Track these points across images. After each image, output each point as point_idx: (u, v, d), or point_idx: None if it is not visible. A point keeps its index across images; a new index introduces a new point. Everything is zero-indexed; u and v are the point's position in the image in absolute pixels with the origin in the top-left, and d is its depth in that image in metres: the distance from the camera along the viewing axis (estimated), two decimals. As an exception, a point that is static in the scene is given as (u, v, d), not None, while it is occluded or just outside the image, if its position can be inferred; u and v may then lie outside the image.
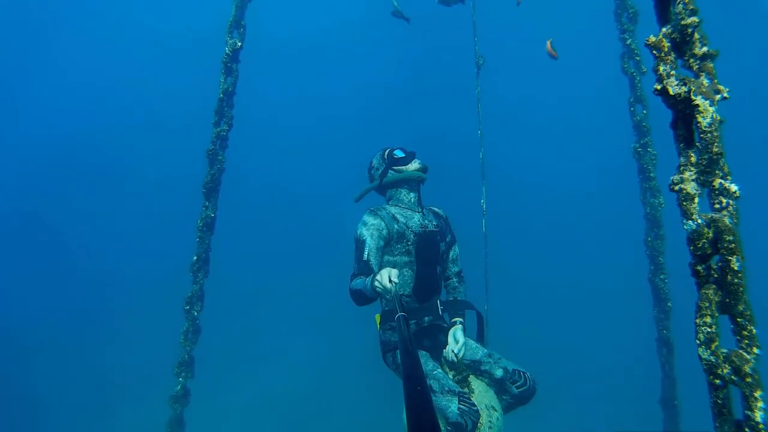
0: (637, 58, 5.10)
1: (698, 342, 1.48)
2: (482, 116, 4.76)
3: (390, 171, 3.61)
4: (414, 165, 3.61)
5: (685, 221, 1.54)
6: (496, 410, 3.06)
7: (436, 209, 3.78)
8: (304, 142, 25.51)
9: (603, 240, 18.60)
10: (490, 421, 2.95)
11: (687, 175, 1.56)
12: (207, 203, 4.98)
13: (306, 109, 26.69)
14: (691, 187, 1.54)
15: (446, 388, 2.92)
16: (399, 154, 3.64)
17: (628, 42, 5.12)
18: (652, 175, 5.14)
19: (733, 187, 1.52)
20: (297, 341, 13.11)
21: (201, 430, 6.32)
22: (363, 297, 3.01)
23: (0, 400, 9.80)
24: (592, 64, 19.92)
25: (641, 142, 5.18)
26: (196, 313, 4.95)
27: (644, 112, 5.16)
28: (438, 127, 23.33)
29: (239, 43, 4.96)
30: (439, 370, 3.10)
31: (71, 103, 23.88)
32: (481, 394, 3.11)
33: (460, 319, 3.42)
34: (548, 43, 5.99)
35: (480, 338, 3.53)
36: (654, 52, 1.65)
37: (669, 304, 5.05)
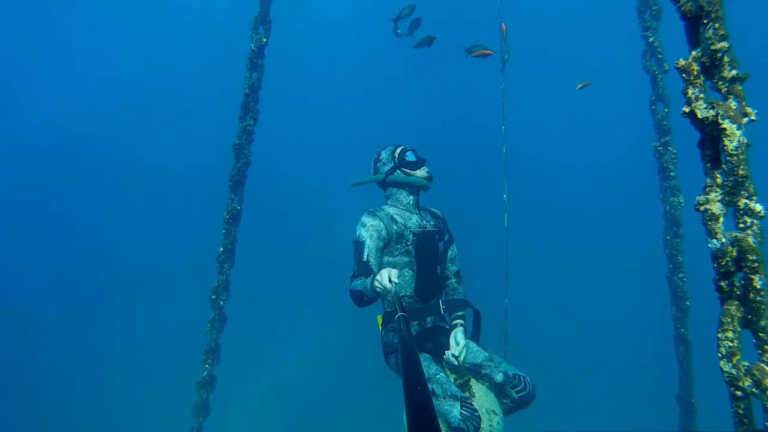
0: (660, 56, 5.05)
1: (720, 355, 1.56)
2: (505, 111, 4.79)
3: (397, 171, 3.62)
4: (421, 172, 3.61)
5: (709, 240, 1.60)
6: (496, 414, 3.10)
7: (433, 209, 3.82)
8: (324, 134, 25.57)
9: (621, 237, 18.49)
10: (490, 425, 3.00)
11: (712, 195, 1.62)
12: (233, 196, 5.07)
13: (323, 103, 26.70)
14: (716, 208, 1.60)
15: (449, 393, 2.95)
16: (411, 157, 3.62)
17: (651, 40, 5.06)
18: (672, 174, 5.10)
19: (758, 207, 1.57)
20: (314, 331, 13.27)
21: (220, 416, 6.53)
22: (363, 298, 3.04)
23: (17, 390, 10.08)
24: (613, 60, 19.69)
25: (662, 140, 5.14)
26: (222, 303, 5.08)
27: (665, 110, 5.12)
28: (460, 120, 23.26)
29: (264, 39, 5.01)
30: (442, 374, 3.13)
31: (89, 93, 24.06)
32: (481, 398, 3.15)
33: (461, 321, 3.46)
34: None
35: (476, 337, 3.56)
36: (683, 75, 1.70)
37: (687, 302, 5.05)
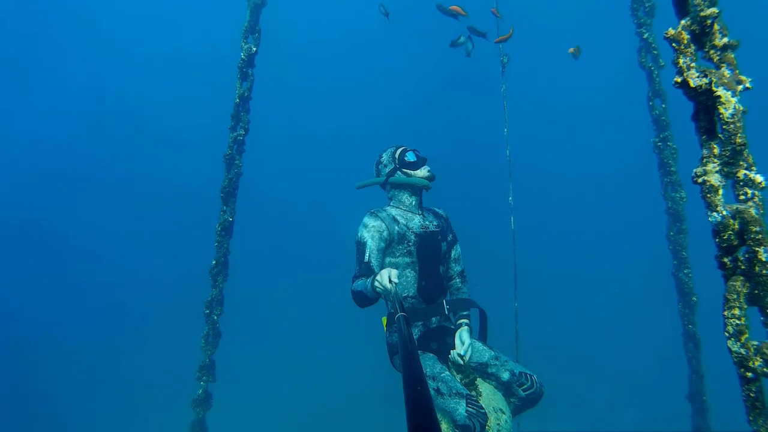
0: (655, 52, 5.05)
1: (727, 334, 1.47)
2: (507, 114, 4.77)
3: (398, 172, 3.59)
4: (422, 172, 3.57)
5: (709, 213, 1.52)
6: (504, 413, 3.06)
7: (436, 209, 3.78)
8: (323, 143, 25.63)
9: (624, 235, 18.41)
10: (498, 424, 2.95)
11: (710, 166, 1.54)
12: (225, 207, 4.97)
13: (324, 111, 26.80)
14: (714, 179, 1.52)
15: (454, 391, 2.91)
16: (411, 158, 3.59)
17: (645, 36, 5.07)
18: (672, 169, 5.07)
19: (759, 178, 1.50)
20: (317, 344, 13.10)
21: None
22: (364, 298, 3.03)
23: (23, 409, 9.97)
24: (610, 59, 19.78)
25: (661, 136, 5.12)
26: (216, 317, 4.95)
27: (663, 106, 5.11)
28: (462, 126, 23.31)
29: (254, 48, 4.97)
30: (447, 372, 3.09)
31: (83, 110, 24.22)
32: (488, 396, 3.10)
33: (466, 321, 3.42)
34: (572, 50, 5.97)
35: (483, 337, 3.50)
36: (673, 44, 1.64)
37: (694, 298, 4.98)
